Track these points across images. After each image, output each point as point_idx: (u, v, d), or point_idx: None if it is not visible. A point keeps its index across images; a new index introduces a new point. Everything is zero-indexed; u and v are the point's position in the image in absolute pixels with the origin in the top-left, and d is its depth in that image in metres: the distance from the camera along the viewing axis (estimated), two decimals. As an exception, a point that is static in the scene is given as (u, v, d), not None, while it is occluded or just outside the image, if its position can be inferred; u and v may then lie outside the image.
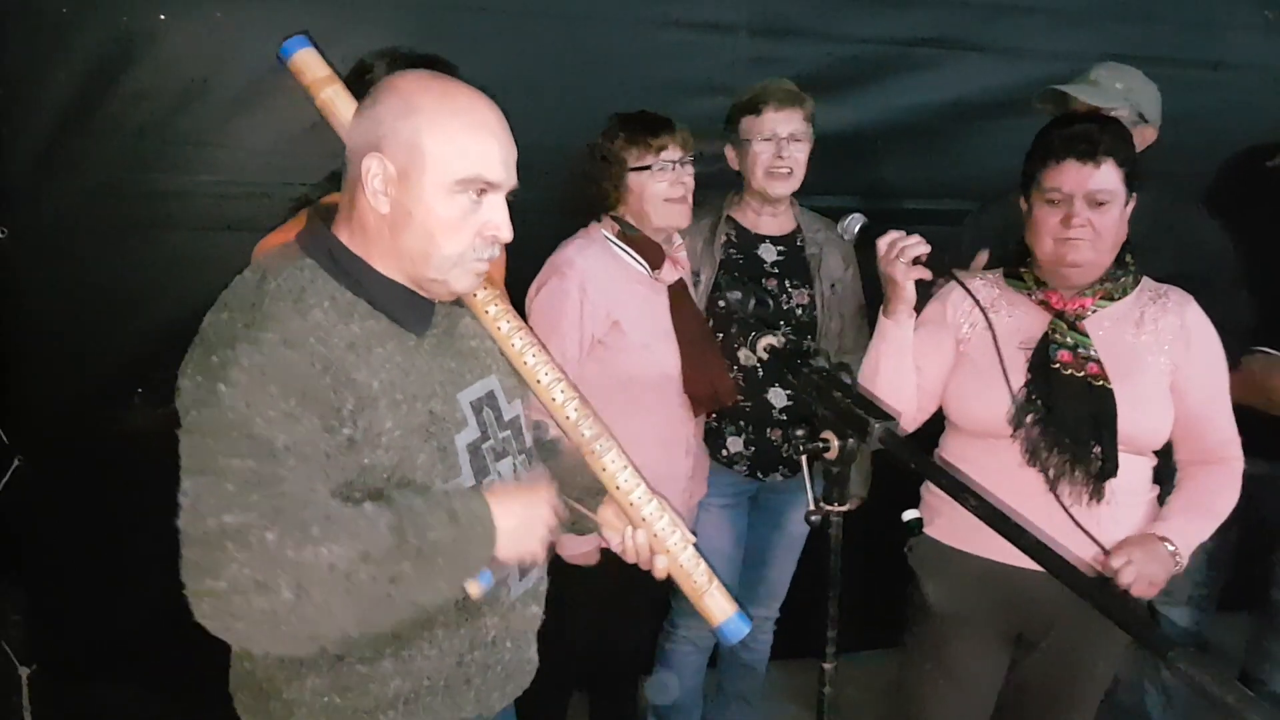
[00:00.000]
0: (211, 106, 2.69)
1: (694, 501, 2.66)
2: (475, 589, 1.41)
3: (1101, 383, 1.98)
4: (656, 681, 2.98)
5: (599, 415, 1.65)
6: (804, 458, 1.39)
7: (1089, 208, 1.95)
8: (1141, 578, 1.90)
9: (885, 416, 1.30)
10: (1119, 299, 2.05)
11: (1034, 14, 3.27)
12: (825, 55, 3.11)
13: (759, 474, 2.71)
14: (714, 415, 2.68)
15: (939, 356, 2.11)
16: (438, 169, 1.39)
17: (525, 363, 1.61)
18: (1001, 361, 1.86)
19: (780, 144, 2.60)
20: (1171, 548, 1.96)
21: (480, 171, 1.41)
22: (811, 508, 1.40)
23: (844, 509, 1.39)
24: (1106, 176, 1.95)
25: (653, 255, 2.47)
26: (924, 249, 1.93)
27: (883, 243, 1.96)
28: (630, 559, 1.67)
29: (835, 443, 1.37)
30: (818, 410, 1.39)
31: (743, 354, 2.65)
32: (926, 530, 2.15)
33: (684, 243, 2.62)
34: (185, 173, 2.72)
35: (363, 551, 1.25)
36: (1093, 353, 2.00)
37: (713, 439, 2.71)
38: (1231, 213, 2.59)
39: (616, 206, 2.49)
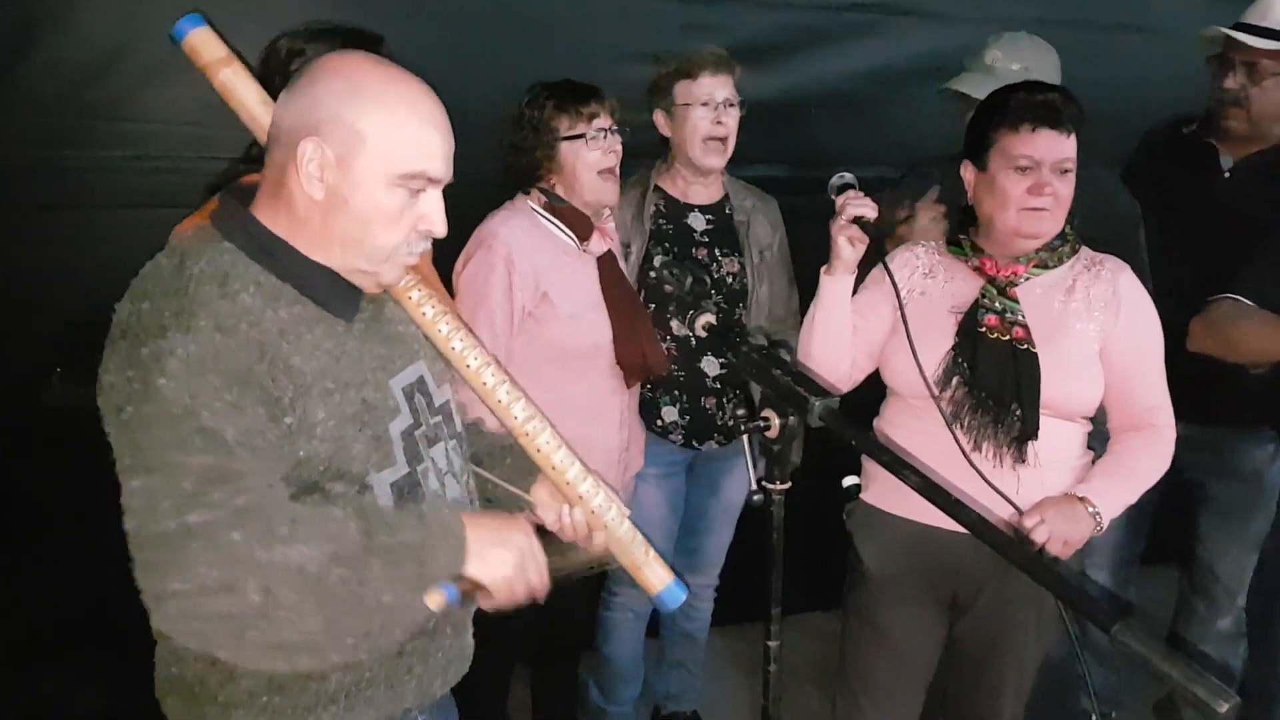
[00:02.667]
0: (124, 79, 2.59)
1: (630, 474, 2.65)
2: (437, 599, 1.38)
3: (1026, 347, 2.01)
4: (597, 652, 2.98)
5: (530, 397, 1.64)
6: (744, 437, 1.38)
7: (1056, 176, 1.98)
8: (1055, 537, 1.93)
9: (825, 393, 1.29)
10: (1053, 267, 2.08)
11: (964, -23, 3.27)
12: (757, 21, 3.09)
13: (694, 443, 2.71)
14: (648, 385, 2.67)
15: (876, 318, 2.13)
16: (382, 159, 1.34)
17: (453, 348, 1.59)
18: (906, 327, 1.88)
19: (718, 109, 2.58)
20: (1092, 509, 1.98)
21: (425, 167, 1.36)
22: (754, 487, 1.39)
23: (786, 487, 1.38)
24: (1072, 145, 1.98)
25: (580, 227, 2.45)
26: (864, 210, 1.93)
27: (840, 199, 1.97)
28: (568, 537, 1.67)
29: (775, 421, 1.36)
30: (763, 388, 1.38)
31: (675, 324, 2.64)
32: (863, 496, 2.18)
33: (612, 214, 2.60)
34: (98, 148, 2.62)
35: (333, 553, 1.23)
36: (1020, 317, 2.03)
37: (647, 409, 2.70)
38: (1153, 180, 2.63)
39: (547, 177, 2.45)
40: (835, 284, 2.04)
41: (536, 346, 2.38)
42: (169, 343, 1.23)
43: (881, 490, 2.15)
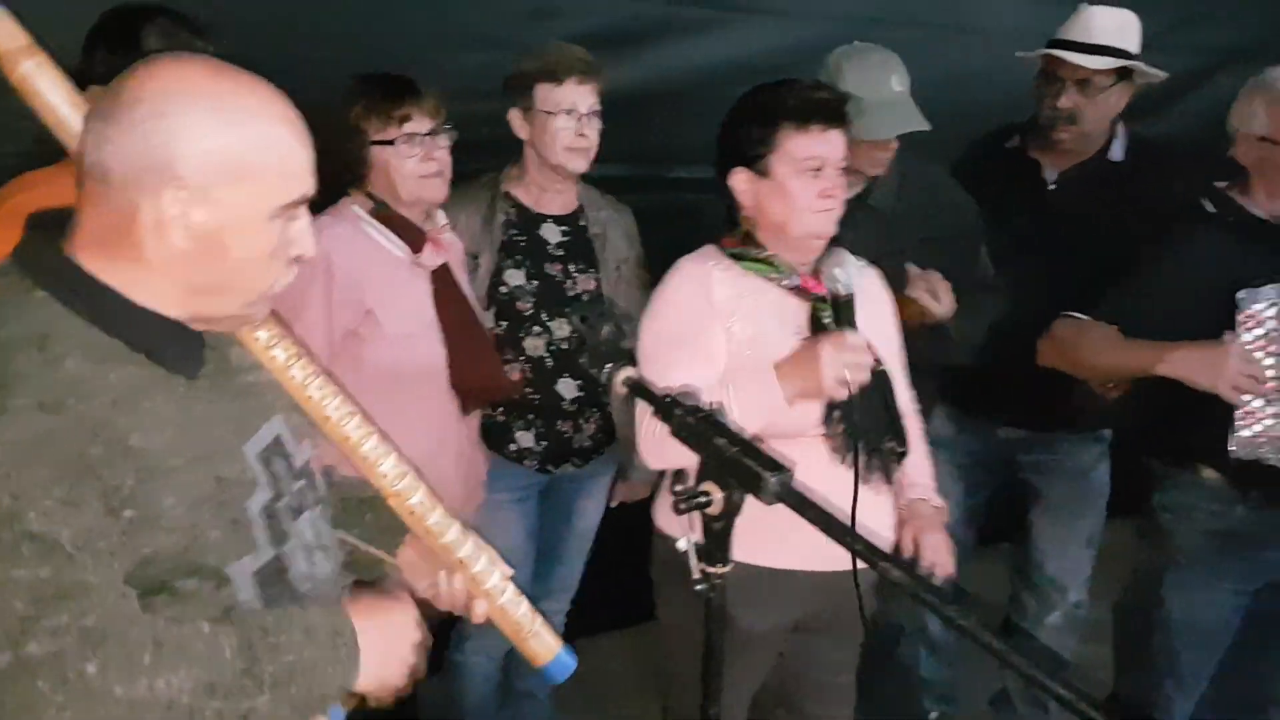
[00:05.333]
0: None
1: (469, 509, 2.43)
2: None
3: (881, 367, 1.96)
4: (444, 693, 2.77)
5: (401, 450, 1.45)
6: (684, 518, 1.22)
7: (838, 175, 1.93)
8: (941, 551, 1.97)
9: (778, 467, 1.15)
10: None
11: (800, -25, 3.19)
12: (606, 10, 2.92)
13: (550, 467, 2.55)
14: (499, 409, 2.48)
15: (719, 352, 1.94)
16: (262, 193, 1.15)
17: (309, 396, 1.38)
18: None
19: (582, 120, 2.39)
20: (935, 504, 2.04)
21: (305, 190, 1.19)
22: (697, 575, 1.24)
23: (728, 570, 1.24)
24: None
25: (411, 237, 2.22)
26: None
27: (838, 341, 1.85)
28: (444, 607, 1.50)
29: (717, 495, 1.21)
30: (701, 458, 1.22)
31: (528, 343, 2.46)
32: (736, 558, 1.94)
33: (454, 222, 2.38)
34: None
35: (207, 682, 1.08)
36: (864, 336, 1.96)
37: (499, 434, 2.51)
38: (979, 196, 2.66)
39: (363, 182, 2.21)
40: (777, 403, 1.85)
41: (361, 370, 2.11)
42: None
43: (757, 544, 1.78)
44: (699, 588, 1.24)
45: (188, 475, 1.15)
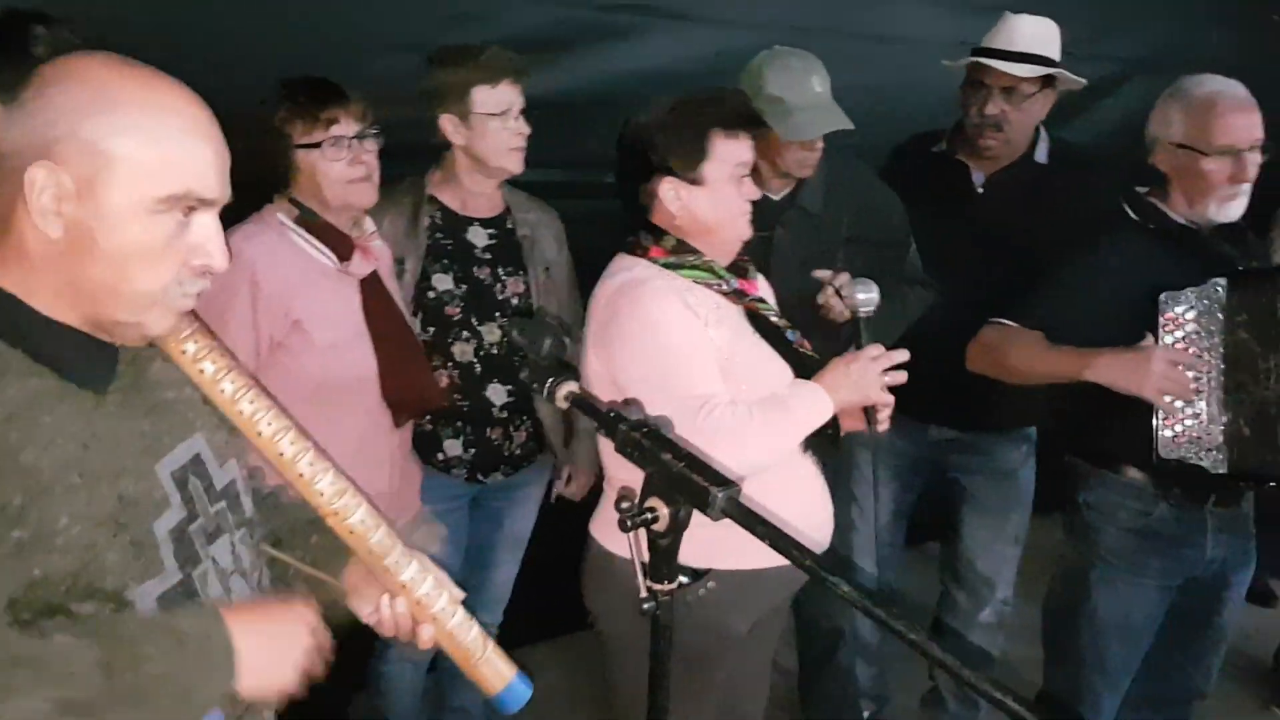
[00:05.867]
0: None
1: (402, 522, 2.39)
2: None
3: (816, 356, 2.00)
4: (370, 705, 2.72)
5: (339, 466, 1.39)
6: (630, 535, 1.19)
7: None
8: None
9: (725, 482, 1.13)
10: None
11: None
12: (528, 16, 2.88)
13: (479, 476, 2.51)
14: (428, 418, 2.43)
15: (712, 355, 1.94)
16: (137, 183, 1.11)
17: (240, 412, 1.31)
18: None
19: (518, 119, 2.36)
20: None
21: (192, 186, 1.14)
22: (644, 594, 1.21)
23: (674, 587, 1.21)
24: None
25: (339, 245, 2.16)
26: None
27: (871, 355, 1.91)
28: (388, 632, 1.43)
29: (664, 510, 1.18)
30: (647, 473, 1.20)
31: (457, 349, 2.41)
32: (721, 567, 1.89)
33: (381, 229, 2.32)
34: None
35: (62, 699, 1.02)
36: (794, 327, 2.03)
37: (426, 443, 2.46)
38: (907, 200, 2.69)
39: (288, 188, 2.15)
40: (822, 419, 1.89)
41: (290, 382, 2.03)
42: None
43: (742, 550, 1.74)
44: (646, 606, 1.21)
45: (87, 493, 1.11)
